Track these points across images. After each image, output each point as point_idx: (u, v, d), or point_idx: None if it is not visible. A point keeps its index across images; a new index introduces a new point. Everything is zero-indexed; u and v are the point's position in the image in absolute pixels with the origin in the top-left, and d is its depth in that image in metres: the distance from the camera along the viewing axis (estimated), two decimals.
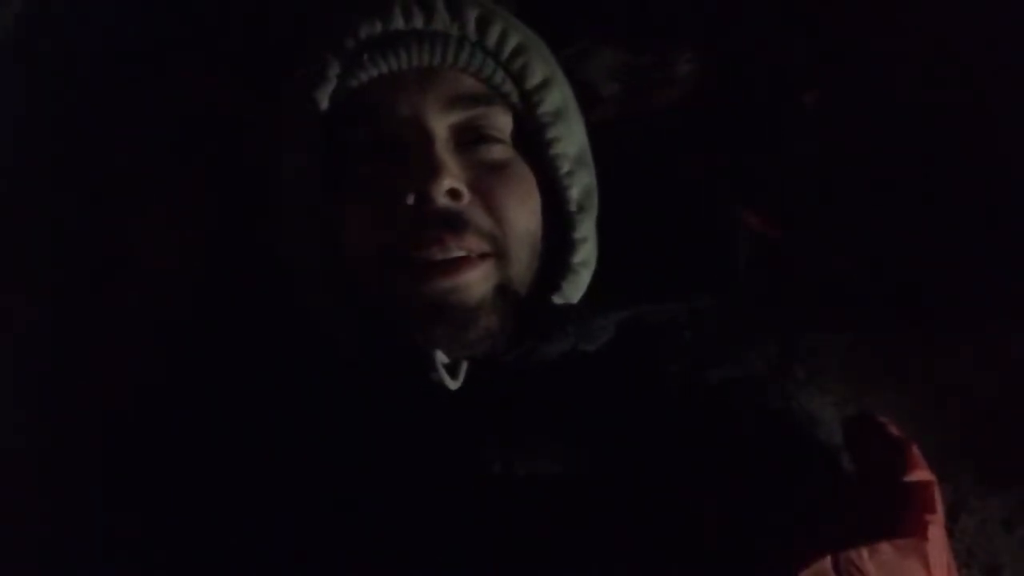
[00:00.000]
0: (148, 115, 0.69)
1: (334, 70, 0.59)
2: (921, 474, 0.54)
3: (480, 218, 0.57)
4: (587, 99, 0.68)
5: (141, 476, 0.56)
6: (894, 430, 0.57)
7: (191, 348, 0.63)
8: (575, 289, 0.63)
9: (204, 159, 0.69)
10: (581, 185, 0.63)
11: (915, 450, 0.55)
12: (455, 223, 0.56)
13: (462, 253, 0.56)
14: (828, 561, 0.49)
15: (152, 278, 0.67)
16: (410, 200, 0.56)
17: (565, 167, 0.62)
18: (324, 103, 0.59)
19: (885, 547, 0.50)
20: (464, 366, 0.57)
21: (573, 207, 0.62)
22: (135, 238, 0.68)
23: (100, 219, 0.68)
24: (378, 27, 0.59)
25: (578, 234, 0.63)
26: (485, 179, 0.58)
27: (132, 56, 0.69)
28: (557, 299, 0.63)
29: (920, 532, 0.51)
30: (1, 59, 0.66)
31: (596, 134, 0.66)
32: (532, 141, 0.62)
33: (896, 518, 0.52)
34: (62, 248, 0.67)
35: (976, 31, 0.72)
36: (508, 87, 0.61)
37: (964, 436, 0.72)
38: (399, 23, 0.59)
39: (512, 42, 0.61)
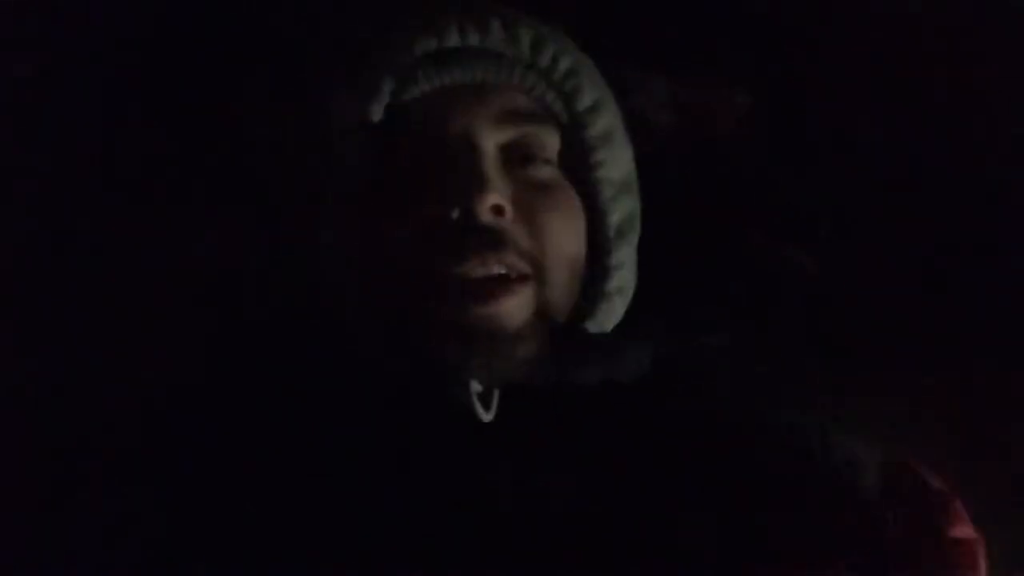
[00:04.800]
0: (196, 125, 0.70)
1: (388, 84, 0.59)
2: (964, 530, 0.52)
3: (522, 237, 0.57)
4: (638, 128, 0.68)
5: (155, 491, 0.55)
6: (937, 482, 0.55)
7: (225, 357, 0.63)
8: (609, 316, 0.63)
9: (251, 171, 0.70)
10: (623, 211, 0.63)
11: (958, 504, 0.53)
12: (497, 240, 0.56)
13: (502, 270, 0.56)
14: None
15: (189, 285, 0.68)
16: (455, 214, 0.56)
17: (608, 192, 0.62)
18: (377, 115, 0.59)
19: None
20: (496, 395, 0.56)
21: (612, 232, 0.62)
22: (175, 243, 0.69)
23: (141, 224, 0.69)
24: (433, 44, 0.59)
25: (614, 260, 0.62)
26: (530, 198, 0.58)
27: (180, 68, 0.70)
28: (591, 326, 0.62)
29: None
30: (33, 68, 0.69)
31: (646, 163, 0.66)
32: (578, 163, 0.61)
33: (936, 574, 0.50)
34: (104, 250, 0.68)
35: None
36: (558, 107, 0.61)
37: (1017, 493, 0.69)
38: (454, 40, 0.59)
39: (564, 64, 0.61)
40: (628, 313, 0.64)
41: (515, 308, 0.56)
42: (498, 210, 0.56)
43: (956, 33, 0.72)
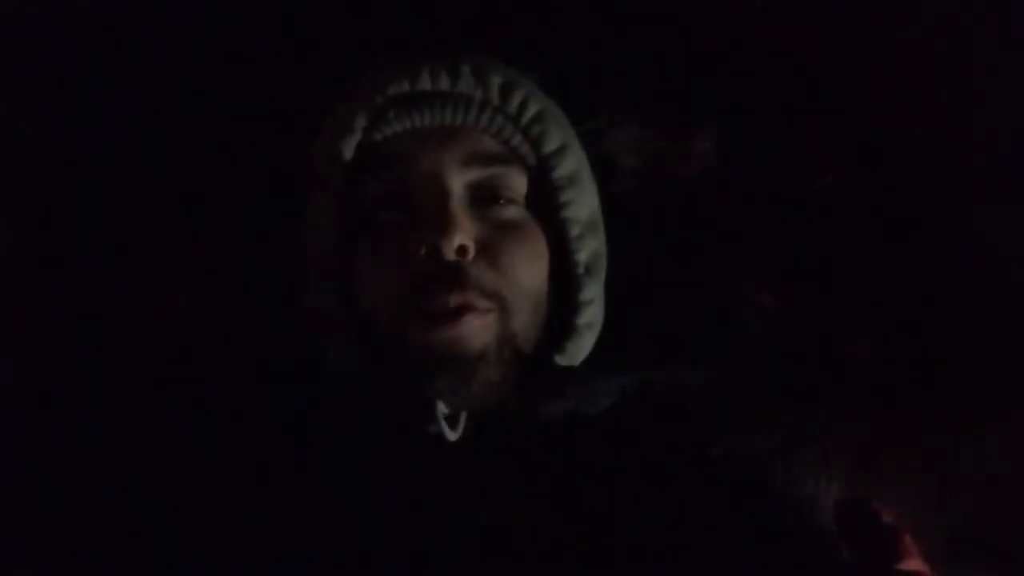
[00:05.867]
0: (173, 160, 0.72)
1: (360, 123, 0.62)
2: (913, 563, 0.53)
3: (485, 275, 0.59)
4: (606, 171, 0.70)
5: (145, 514, 0.56)
6: (888, 516, 0.56)
7: (197, 385, 0.65)
8: (578, 350, 0.65)
9: (229, 205, 0.72)
10: (590, 249, 0.64)
11: (907, 538, 0.54)
12: (461, 278, 0.58)
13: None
14: None
15: (155, 318, 0.69)
16: (422, 252, 0.58)
17: (575, 231, 0.64)
18: (348, 154, 0.62)
19: None
20: (463, 418, 0.58)
21: (581, 269, 0.64)
22: (142, 279, 0.70)
23: (111, 258, 0.70)
24: (405, 87, 0.62)
25: (584, 296, 0.64)
26: (495, 237, 0.60)
27: (161, 101, 0.72)
28: (560, 359, 0.64)
29: None
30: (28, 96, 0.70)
31: (614, 203, 0.68)
32: (545, 204, 0.64)
33: None
34: (70, 283, 0.69)
35: (997, 109, 0.72)
36: (525, 150, 0.63)
37: (977, 528, 0.70)
38: (426, 84, 0.62)
39: (532, 109, 0.63)
40: (596, 347, 0.66)
41: (477, 331, 0.57)
42: (462, 250, 0.58)
43: (923, 75, 0.74)
